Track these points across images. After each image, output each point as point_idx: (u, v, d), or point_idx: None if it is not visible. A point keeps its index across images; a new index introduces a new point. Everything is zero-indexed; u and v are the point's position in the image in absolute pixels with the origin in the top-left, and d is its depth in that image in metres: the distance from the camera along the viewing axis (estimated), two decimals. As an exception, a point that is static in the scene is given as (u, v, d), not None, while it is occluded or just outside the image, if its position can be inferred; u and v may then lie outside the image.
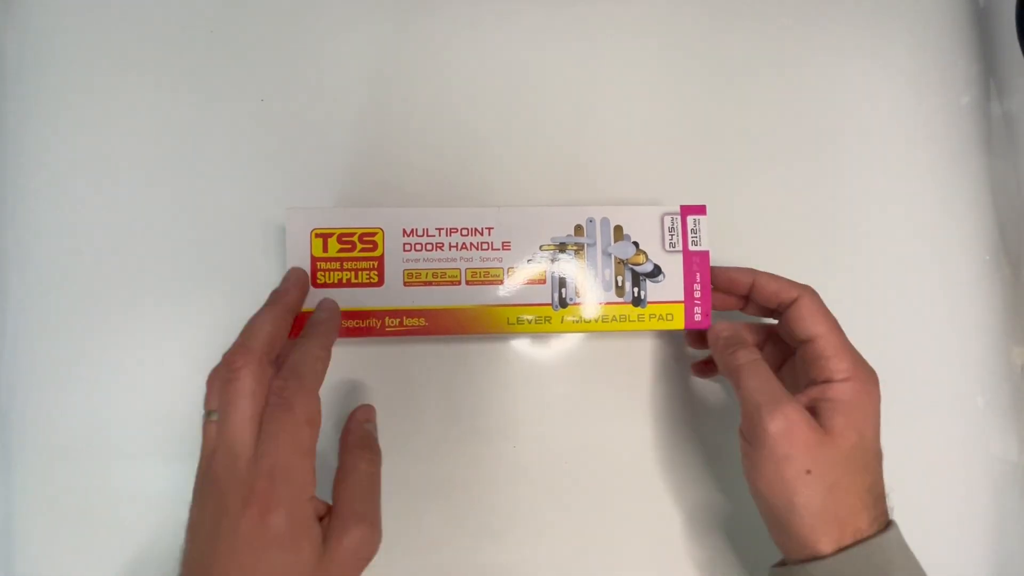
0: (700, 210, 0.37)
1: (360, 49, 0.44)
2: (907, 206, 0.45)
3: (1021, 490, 0.43)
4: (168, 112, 0.43)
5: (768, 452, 0.30)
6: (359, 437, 0.32)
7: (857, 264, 0.45)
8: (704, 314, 0.37)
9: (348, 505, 0.30)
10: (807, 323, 0.33)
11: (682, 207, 0.37)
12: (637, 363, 0.43)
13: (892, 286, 0.44)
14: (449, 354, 0.42)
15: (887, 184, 0.45)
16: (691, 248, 0.37)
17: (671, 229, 0.37)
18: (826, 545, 0.30)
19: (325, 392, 0.30)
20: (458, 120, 0.44)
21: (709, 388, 0.43)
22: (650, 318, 0.37)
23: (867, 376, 0.33)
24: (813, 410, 0.32)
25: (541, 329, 0.37)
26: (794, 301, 0.34)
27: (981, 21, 0.47)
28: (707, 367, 0.41)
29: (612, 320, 0.37)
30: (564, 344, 0.43)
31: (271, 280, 0.41)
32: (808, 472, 0.30)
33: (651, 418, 0.42)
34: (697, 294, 0.37)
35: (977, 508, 0.43)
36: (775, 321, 0.37)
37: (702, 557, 0.42)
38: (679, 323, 0.37)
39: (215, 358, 0.30)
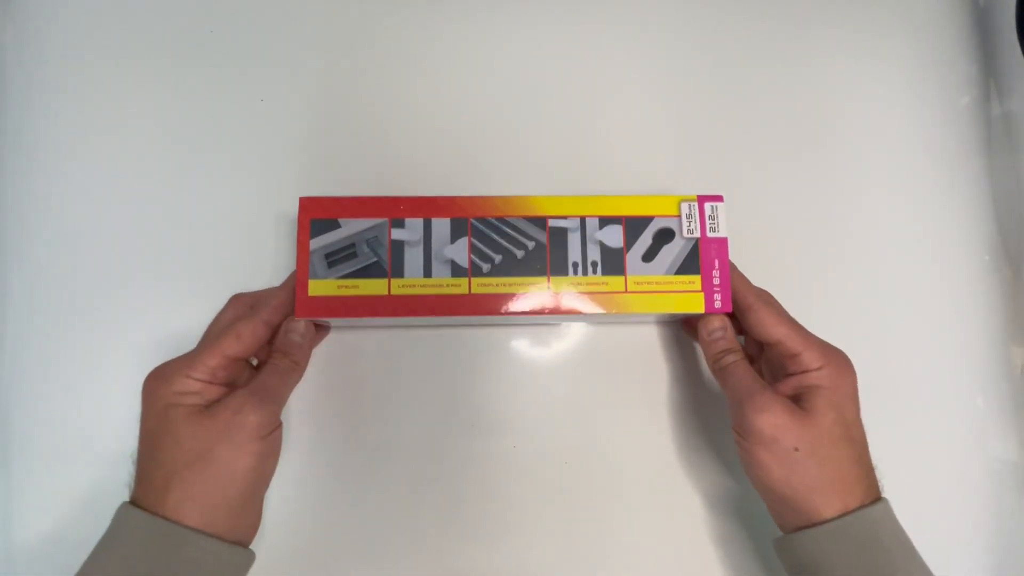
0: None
1: (361, 48, 0.44)
2: (907, 206, 0.45)
3: (1020, 490, 0.43)
4: (168, 113, 0.42)
5: (757, 438, 0.33)
6: (280, 343, 0.36)
7: (857, 263, 0.45)
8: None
9: (248, 384, 0.34)
10: (767, 329, 0.35)
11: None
12: (637, 360, 0.43)
13: (892, 286, 0.45)
14: (449, 349, 0.42)
15: (887, 184, 0.45)
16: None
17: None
18: (828, 511, 0.32)
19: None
20: (463, 114, 0.44)
21: (710, 380, 0.43)
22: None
23: (839, 360, 0.35)
24: (797, 397, 0.34)
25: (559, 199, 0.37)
26: (749, 307, 0.36)
27: (981, 21, 0.47)
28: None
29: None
30: (565, 342, 0.43)
31: (272, 280, 0.41)
32: (796, 450, 0.32)
33: (653, 413, 0.42)
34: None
35: (976, 508, 0.43)
36: None
37: (707, 554, 0.42)
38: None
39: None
